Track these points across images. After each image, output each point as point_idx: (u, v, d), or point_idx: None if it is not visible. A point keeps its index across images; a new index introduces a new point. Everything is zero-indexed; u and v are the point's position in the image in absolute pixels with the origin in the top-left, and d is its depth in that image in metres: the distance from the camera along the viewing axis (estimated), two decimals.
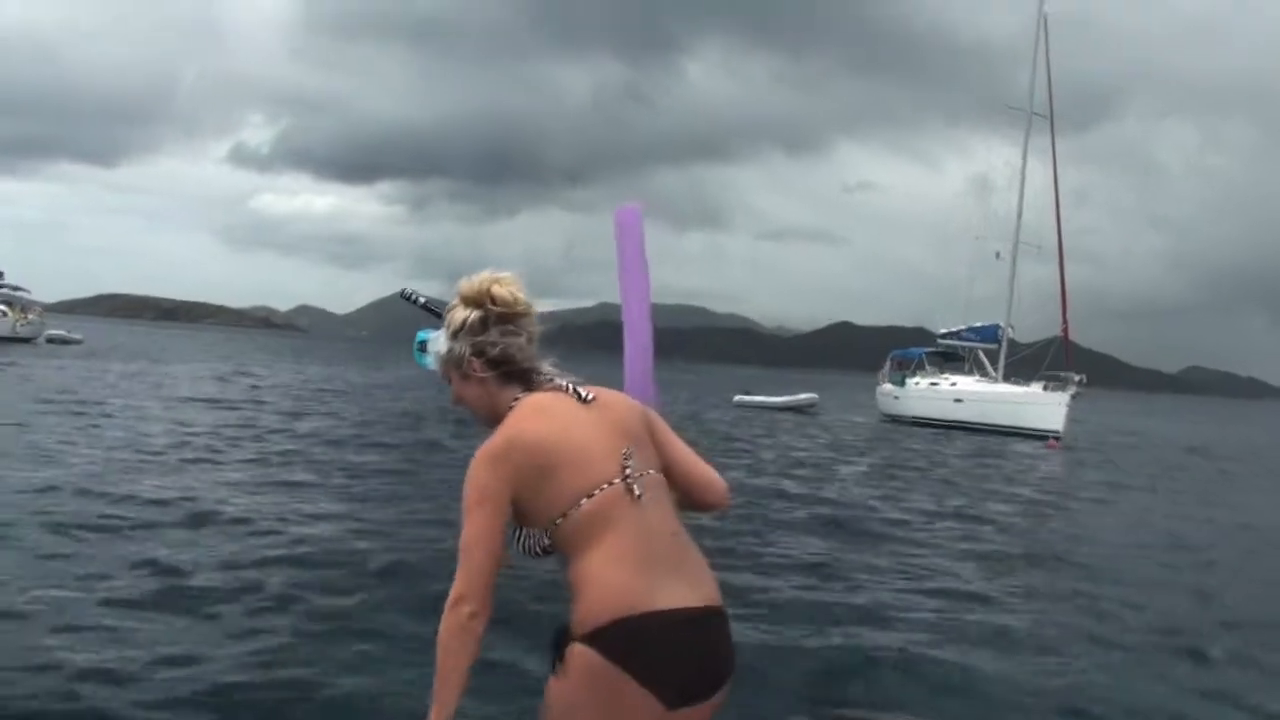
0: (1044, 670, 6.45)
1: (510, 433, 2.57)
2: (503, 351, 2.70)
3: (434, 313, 2.89)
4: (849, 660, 6.36)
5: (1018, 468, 23.95)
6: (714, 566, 2.66)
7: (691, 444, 2.86)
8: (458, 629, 2.42)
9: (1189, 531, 13.95)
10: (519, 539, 2.61)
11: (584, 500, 2.49)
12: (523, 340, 2.72)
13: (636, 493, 2.54)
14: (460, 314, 2.72)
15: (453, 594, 2.43)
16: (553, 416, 2.61)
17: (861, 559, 9.82)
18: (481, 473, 2.52)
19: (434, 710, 2.42)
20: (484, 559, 2.46)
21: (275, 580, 7.34)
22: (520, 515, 2.57)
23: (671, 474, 2.75)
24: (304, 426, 20.61)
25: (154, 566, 7.49)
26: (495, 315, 2.70)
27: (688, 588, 2.51)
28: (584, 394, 2.70)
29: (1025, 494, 17.83)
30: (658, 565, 2.49)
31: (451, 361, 2.74)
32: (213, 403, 25.62)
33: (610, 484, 2.53)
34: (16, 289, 66.03)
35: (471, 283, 2.73)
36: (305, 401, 28.98)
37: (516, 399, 2.70)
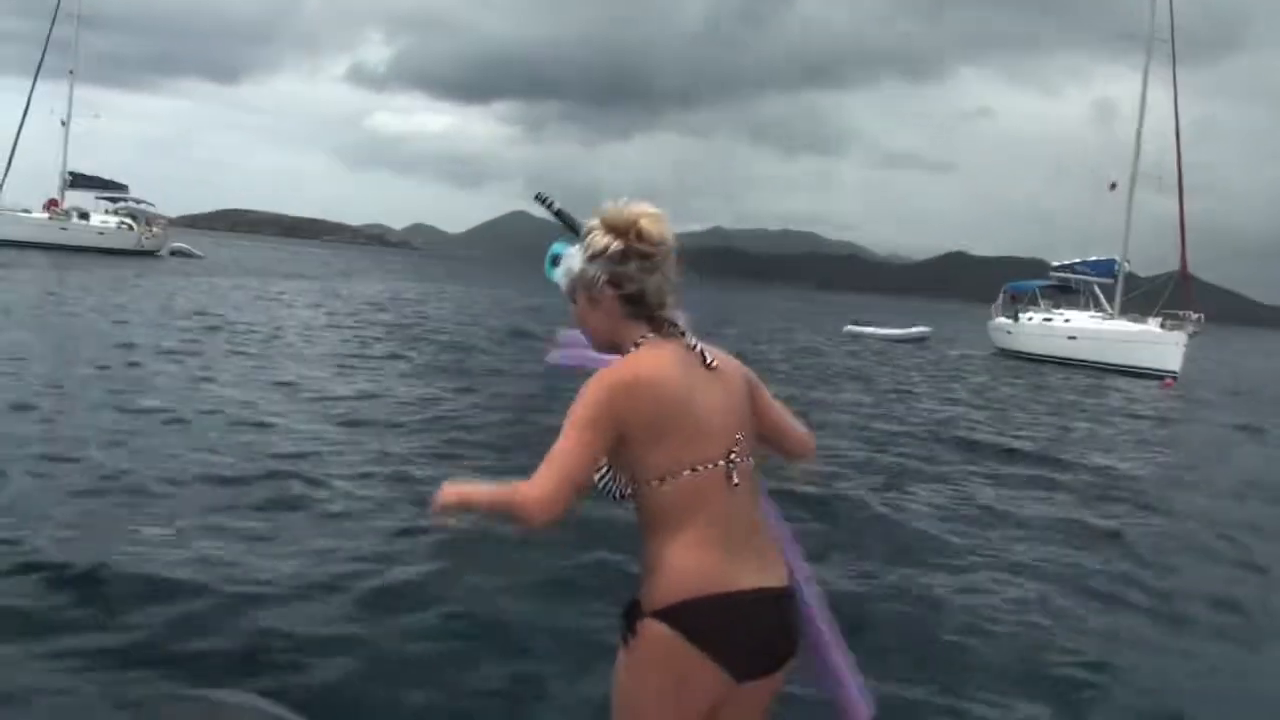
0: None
1: (640, 372, 2.55)
2: (639, 288, 2.63)
3: (567, 223, 2.83)
4: None
5: (1123, 410, 23.29)
6: None
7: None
8: (519, 519, 2.41)
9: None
10: (603, 477, 2.60)
11: (686, 473, 2.51)
12: (660, 280, 2.64)
13: (735, 481, 2.56)
14: (602, 239, 2.63)
15: (531, 492, 2.39)
16: (680, 376, 2.58)
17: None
18: (600, 395, 2.50)
19: (471, 493, 2.47)
20: (572, 476, 2.44)
21: None
22: (616, 457, 2.56)
23: (766, 434, 2.80)
24: None
25: None
26: (637, 250, 2.61)
27: (761, 569, 2.58)
28: (709, 359, 2.65)
29: (1125, 439, 17.33)
30: (736, 547, 2.54)
31: (583, 284, 2.66)
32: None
33: (714, 465, 2.54)
34: (141, 202, 67.63)
35: (620, 211, 2.64)
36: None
37: (642, 338, 2.65)
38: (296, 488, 8.12)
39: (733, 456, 2.58)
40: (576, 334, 3.04)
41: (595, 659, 4.50)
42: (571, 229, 2.78)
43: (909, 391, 21.85)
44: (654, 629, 2.49)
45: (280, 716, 3.12)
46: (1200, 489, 12.19)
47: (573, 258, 2.68)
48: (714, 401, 2.60)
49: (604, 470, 2.59)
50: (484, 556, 6.41)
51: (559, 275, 2.72)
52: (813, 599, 2.87)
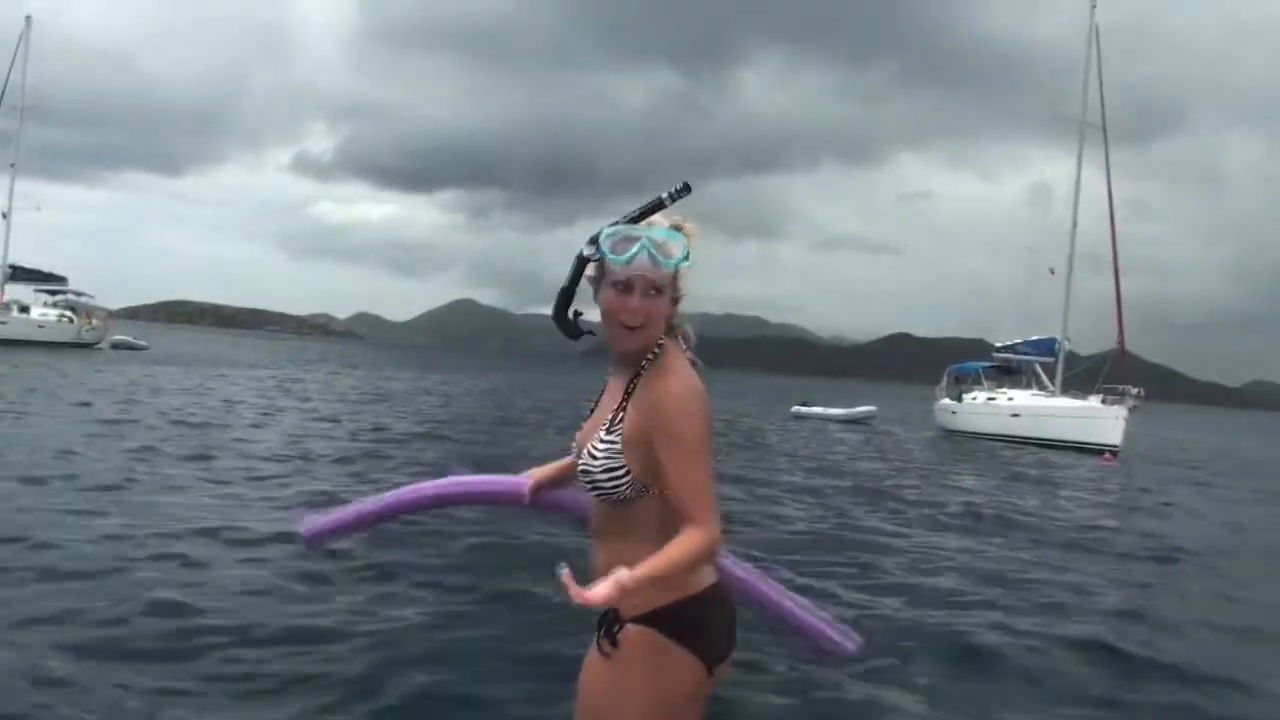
0: None
1: (700, 387, 2.64)
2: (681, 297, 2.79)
3: (648, 213, 2.72)
4: None
5: (1070, 484, 23.59)
6: None
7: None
8: (707, 558, 2.54)
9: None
10: (618, 479, 2.62)
11: None
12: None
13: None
14: (693, 243, 2.69)
15: (713, 530, 2.50)
16: (706, 395, 2.68)
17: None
18: (704, 410, 2.59)
19: (626, 584, 2.38)
20: (717, 498, 2.57)
21: None
22: (646, 460, 2.61)
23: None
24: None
25: None
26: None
27: (712, 566, 2.69)
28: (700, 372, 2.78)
29: (1075, 511, 17.55)
30: None
31: (676, 276, 2.70)
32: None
33: None
34: (81, 294, 66.98)
35: (696, 228, 2.71)
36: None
37: (661, 344, 2.70)
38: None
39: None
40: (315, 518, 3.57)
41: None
42: (636, 219, 2.70)
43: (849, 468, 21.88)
44: (640, 634, 2.58)
45: None
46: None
47: (675, 245, 2.65)
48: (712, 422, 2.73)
49: (622, 472, 2.61)
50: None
51: (672, 267, 2.66)
52: (743, 569, 3.22)
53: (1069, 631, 7.70)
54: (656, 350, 2.68)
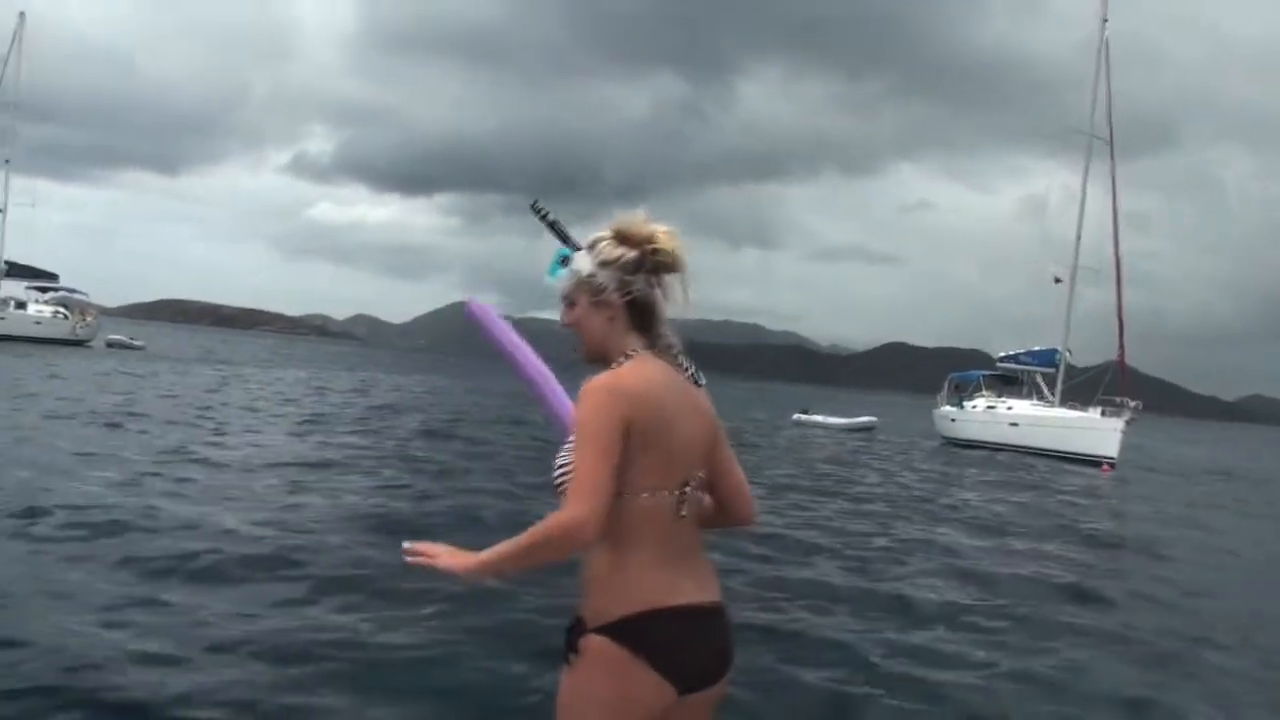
0: None
1: (638, 385, 2.59)
2: (645, 299, 2.72)
3: (559, 234, 2.87)
4: None
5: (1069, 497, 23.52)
6: None
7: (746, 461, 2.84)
8: (568, 543, 2.45)
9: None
10: (564, 477, 2.58)
11: (644, 495, 2.57)
12: (661, 295, 2.75)
13: (683, 513, 2.64)
14: (615, 249, 2.71)
15: (577, 513, 2.43)
16: (667, 396, 2.64)
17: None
18: (604, 400, 2.54)
19: (484, 560, 2.51)
20: (606, 489, 2.47)
21: None
22: None
23: (719, 484, 2.83)
24: None
25: None
26: (652, 263, 2.72)
27: (699, 586, 2.65)
28: (700, 380, 2.78)
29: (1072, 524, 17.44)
30: (676, 566, 2.62)
31: (590, 288, 2.71)
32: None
33: (670, 493, 2.61)
34: (73, 291, 66.98)
35: (635, 223, 2.72)
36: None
37: (633, 351, 2.71)
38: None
39: (686, 489, 2.64)
40: (487, 307, 3.46)
41: None
42: (563, 239, 2.85)
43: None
44: (599, 644, 2.54)
45: None
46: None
47: (580, 260, 2.73)
48: (689, 430, 2.66)
49: (570, 468, 2.57)
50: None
51: (562, 275, 2.76)
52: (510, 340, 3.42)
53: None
54: (623, 360, 2.70)
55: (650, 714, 2.55)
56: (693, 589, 2.63)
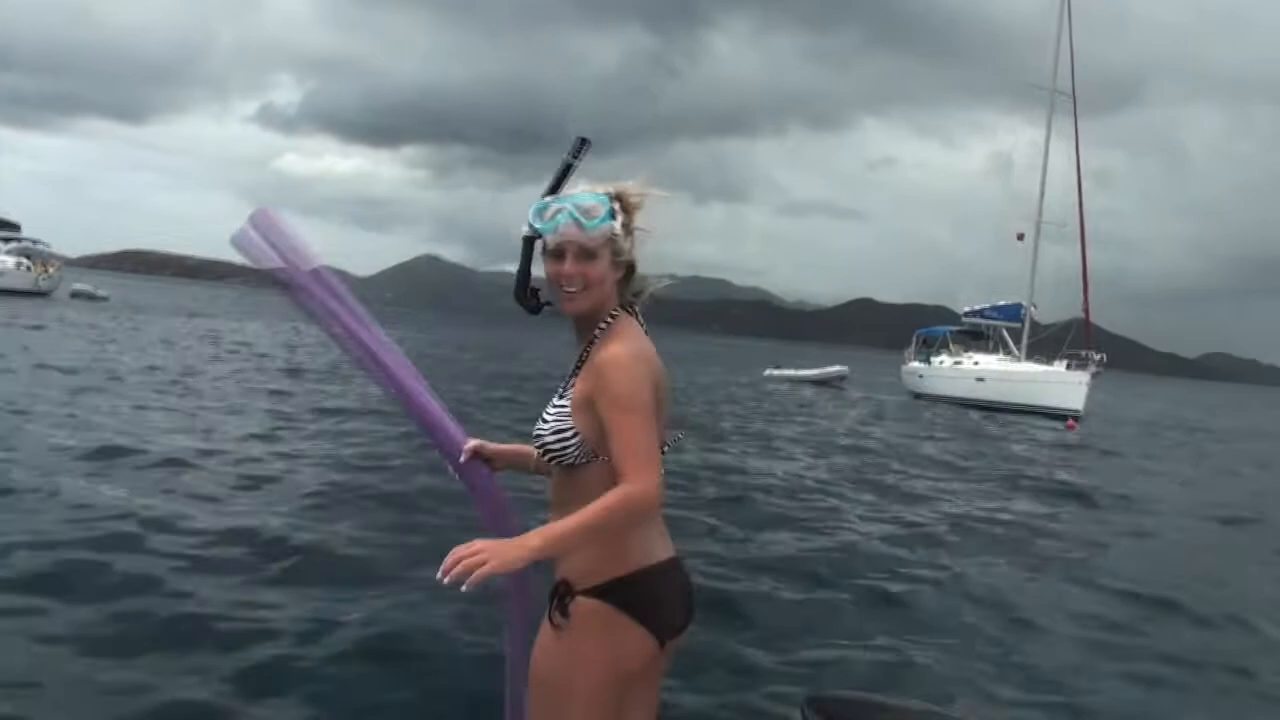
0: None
1: (650, 352, 2.67)
2: (632, 262, 2.79)
3: (559, 179, 2.80)
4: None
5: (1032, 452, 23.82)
6: None
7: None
8: (640, 515, 2.47)
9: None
10: (566, 442, 2.63)
11: None
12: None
13: (663, 472, 2.60)
14: (636, 204, 2.76)
15: (646, 486, 2.44)
16: (659, 362, 2.71)
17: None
18: (642, 370, 2.58)
19: (539, 547, 2.40)
20: (658, 456, 2.53)
21: None
22: (591, 424, 2.61)
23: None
24: None
25: None
26: (637, 228, 2.79)
27: (665, 542, 2.74)
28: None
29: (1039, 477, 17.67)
30: (653, 523, 2.68)
31: (615, 247, 2.71)
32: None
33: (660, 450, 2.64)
34: (36, 242, 66.05)
35: (634, 189, 2.75)
36: None
37: (616, 311, 2.74)
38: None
39: (665, 448, 2.71)
40: (272, 218, 2.98)
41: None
42: (554, 187, 2.78)
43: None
44: (591, 606, 2.60)
45: None
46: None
47: (598, 209, 2.68)
48: (667, 393, 2.75)
49: (570, 434, 2.62)
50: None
51: (598, 227, 2.65)
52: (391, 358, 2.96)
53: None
54: (609, 320, 2.73)
55: (641, 669, 2.63)
56: (665, 544, 2.72)
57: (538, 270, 2.80)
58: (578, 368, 2.72)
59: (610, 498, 2.42)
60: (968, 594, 7.74)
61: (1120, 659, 6.48)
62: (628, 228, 2.73)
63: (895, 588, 7.69)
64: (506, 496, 2.99)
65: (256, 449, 11.56)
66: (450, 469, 3.00)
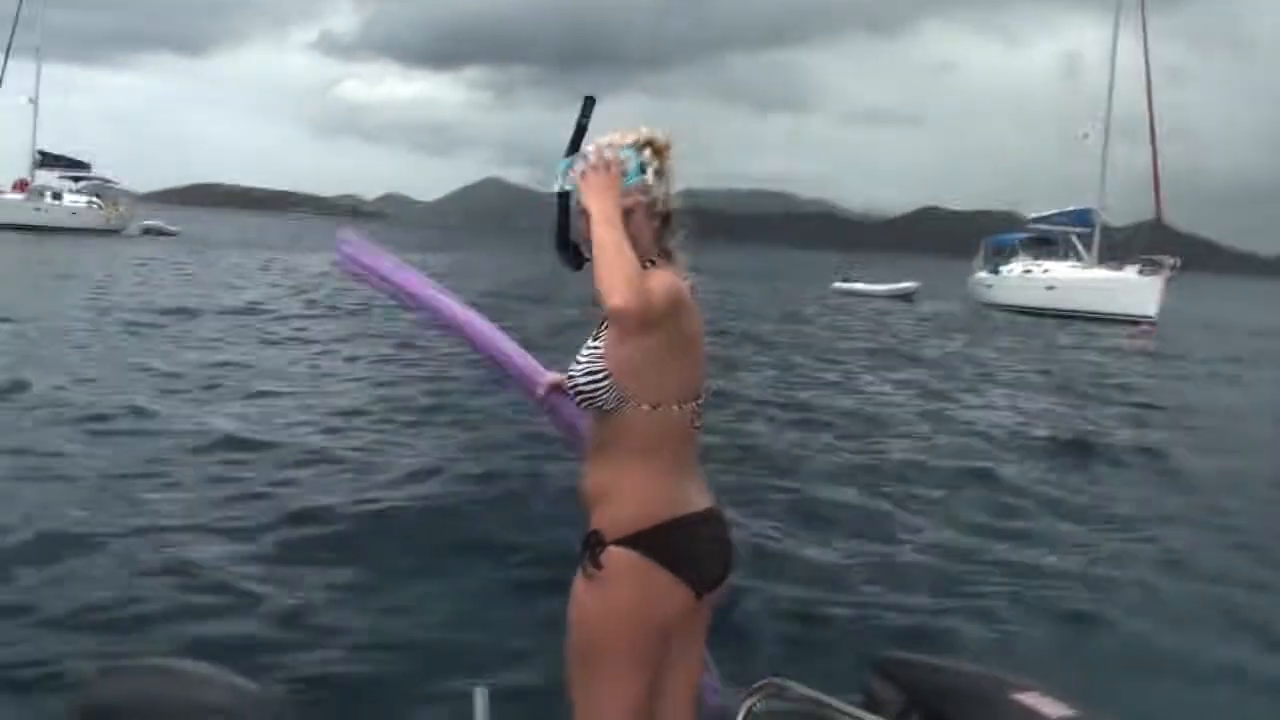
0: None
1: (678, 285, 2.53)
2: (671, 212, 2.70)
3: (577, 137, 2.70)
4: None
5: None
6: None
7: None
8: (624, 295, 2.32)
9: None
10: (598, 383, 2.59)
11: (674, 406, 2.60)
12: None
13: (697, 425, 2.69)
14: (663, 161, 2.67)
15: (631, 298, 2.32)
16: (697, 312, 2.65)
17: None
18: (675, 285, 2.49)
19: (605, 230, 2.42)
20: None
21: None
22: (629, 364, 2.56)
23: None
24: None
25: None
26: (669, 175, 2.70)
27: (702, 493, 2.71)
28: (697, 294, 2.68)
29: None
30: (688, 474, 2.69)
31: (650, 191, 2.64)
32: None
33: (693, 405, 2.65)
34: (107, 181, 66.84)
35: (665, 139, 2.67)
36: None
37: (651, 261, 2.63)
38: None
39: (700, 401, 2.69)
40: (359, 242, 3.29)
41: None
42: (574, 146, 2.69)
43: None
44: (622, 556, 2.57)
45: (241, 685, 3.06)
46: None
47: (637, 159, 2.63)
48: (703, 345, 2.71)
49: (602, 375, 2.58)
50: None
51: (625, 185, 2.58)
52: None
53: None
54: (647, 267, 2.57)
55: (672, 620, 2.63)
56: (702, 494, 2.70)
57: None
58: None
59: (625, 273, 2.34)
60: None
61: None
62: (660, 173, 2.65)
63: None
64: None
65: None
66: (539, 405, 3.10)
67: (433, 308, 3.26)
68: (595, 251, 2.41)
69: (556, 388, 3.08)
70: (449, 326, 3.27)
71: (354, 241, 3.35)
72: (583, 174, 2.55)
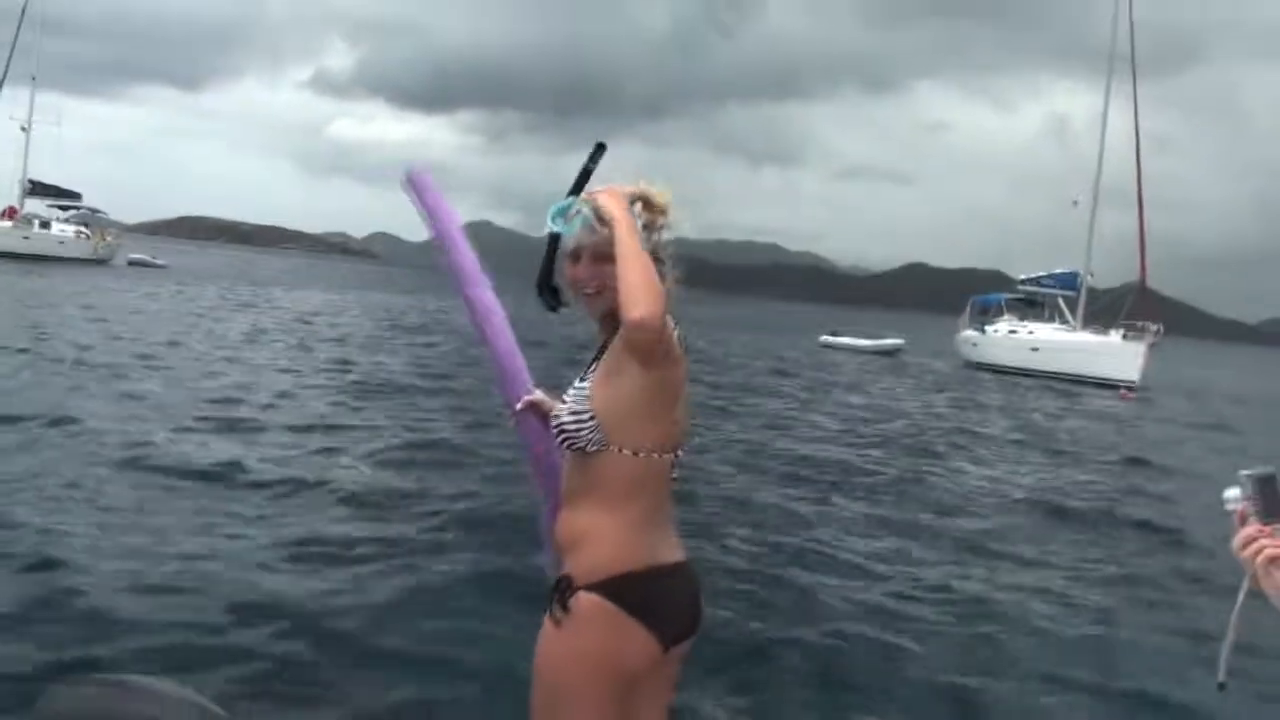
0: None
1: (675, 338, 2.54)
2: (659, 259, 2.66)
3: (580, 182, 2.73)
4: None
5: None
6: None
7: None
8: (643, 303, 2.34)
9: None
10: (584, 423, 2.57)
11: (655, 455, 2.59)
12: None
13: (674, 475, 2.69)
14: (648, 214, 2.67)
15: (655, 309, 2.34)
16: (684, 360, 2.63)
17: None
18: (670, 325, 2.47)
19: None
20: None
21: None
22: (617, 405, 2.56)
23: None
24: None
25: None
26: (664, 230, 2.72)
27: (675, 546, 2.71)
28: (685, 347, 2.66)
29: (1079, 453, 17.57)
30: (665, 525, 2.69)
31: (649, 242, 2.61)
32: None
33: (673, 455, 2.66)
34: (95, 211, 66.98)
35: (657, 193, 2.68)
36: None
37: None
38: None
39: (680, 453, 2.69)
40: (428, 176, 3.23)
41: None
42: (576, 189, 2.72)
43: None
44: (591, 601, 2.55)
45: (195, 703, 3.00)
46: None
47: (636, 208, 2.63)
48: (685, 394, 2.69)
49: (587, 416, 2.57)
50: None
51: (575, 223, 2.64)
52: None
53: None
54: None
55: (638, 670, 2.59)
56: (674, 547, 2.69)
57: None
58: (597, 357, 2.69)
59: (647, 272, 2.37)
60: None
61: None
62: (650, 227, 2.65)
63: None
64: (555, 453, 2.88)
65: None
66: (511, 418, 3.07)
67: (462, 268, 3.18)
68: (623, 259, 2.40)
69: (534, 406, 3.03)
70: (468, 298, 3.17)
71: (423, 175, 3.29)
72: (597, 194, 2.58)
